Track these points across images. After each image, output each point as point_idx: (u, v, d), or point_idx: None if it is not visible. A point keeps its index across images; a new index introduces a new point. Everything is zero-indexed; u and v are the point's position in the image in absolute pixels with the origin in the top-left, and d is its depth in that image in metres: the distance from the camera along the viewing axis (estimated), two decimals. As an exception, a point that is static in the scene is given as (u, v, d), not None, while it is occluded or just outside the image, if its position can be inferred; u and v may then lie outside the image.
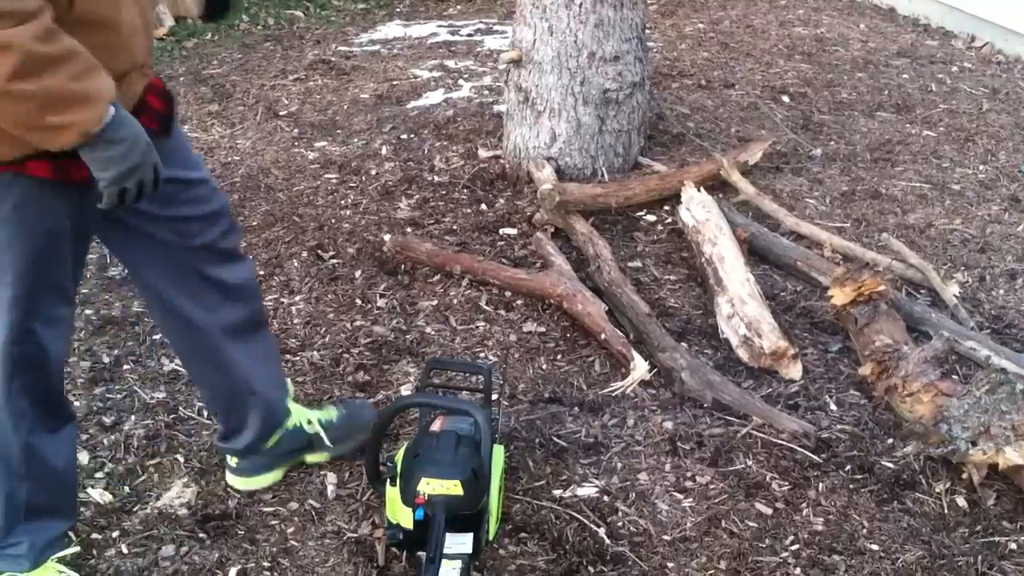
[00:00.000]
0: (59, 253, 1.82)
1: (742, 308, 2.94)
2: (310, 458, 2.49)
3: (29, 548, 2.05)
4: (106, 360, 2.91)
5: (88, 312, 3.14)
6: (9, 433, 1.93)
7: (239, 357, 2.24)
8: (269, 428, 2.37)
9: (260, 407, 2.32)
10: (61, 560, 2.11)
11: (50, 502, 2.08)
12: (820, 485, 2.45)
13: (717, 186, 3.88)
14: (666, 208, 3.77)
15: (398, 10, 6.96)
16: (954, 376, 2.76)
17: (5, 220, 1.72)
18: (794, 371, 2.83)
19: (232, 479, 2.44)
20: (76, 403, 2.72)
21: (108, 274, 3.36)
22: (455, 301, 3.21)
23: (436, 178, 4.06)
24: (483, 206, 3.86)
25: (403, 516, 2.05)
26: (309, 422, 2.45)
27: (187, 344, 2.24)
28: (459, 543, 2.03)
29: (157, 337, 3.00)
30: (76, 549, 2.18)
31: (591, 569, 2.20)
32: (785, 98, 4.96)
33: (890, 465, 2.52)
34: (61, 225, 1.79)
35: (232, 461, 2.42)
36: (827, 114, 4.79)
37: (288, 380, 2.49)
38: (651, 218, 3.74)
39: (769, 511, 2.37)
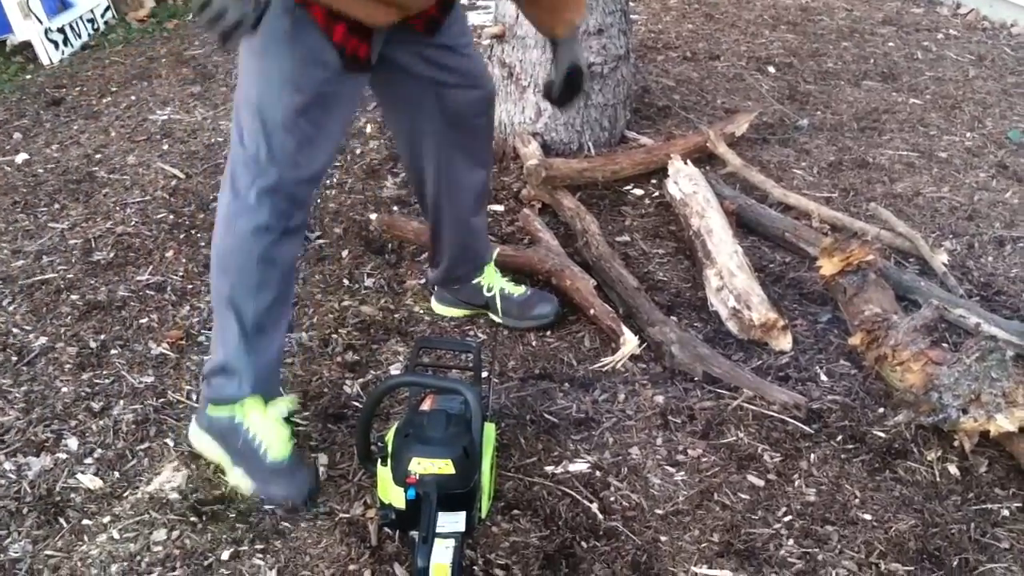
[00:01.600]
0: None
1: (731, 280, 2.93)
2: (492, 316, 2.99)
3: (252, 371, 2.32)
4: (93, 345, 2.89)
5: (74, 297, 3.11)
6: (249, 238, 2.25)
7: (477, 222, 2.86)
8: (458, 276, 2.93)
9: (469, 254, 2.90)
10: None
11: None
12: (812, 456, 2.45)
13: (704, 158, 3.86)
14: (653, 182, 3.76)
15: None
16: (944, 344, 2.76)
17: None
18: (784, 342, 2.83)
19: (432, 302, 3.06)
20: (63, 389, 2.70)
21: (93, 258, 3.33)
22: (443, 279, 3.20)
23: (422, 156, 4.04)
24: (470, 183, 3.83)
25: (395, 496, 2.04)
26: (490, 288, 2.94)
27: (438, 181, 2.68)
28: (452, 522, 2.03)
29: (144, 321, 2.99)
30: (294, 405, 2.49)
31: (584, 545, 2.20)
32: (771, 69, 4.95)
33: (881, 434, 2.52)
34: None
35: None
36: (813, 84, 4.77)
37: (494, 248, 3.04)
38: (638, 192, 3.73)
39: (761, 483, 2.37)
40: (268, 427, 2.33)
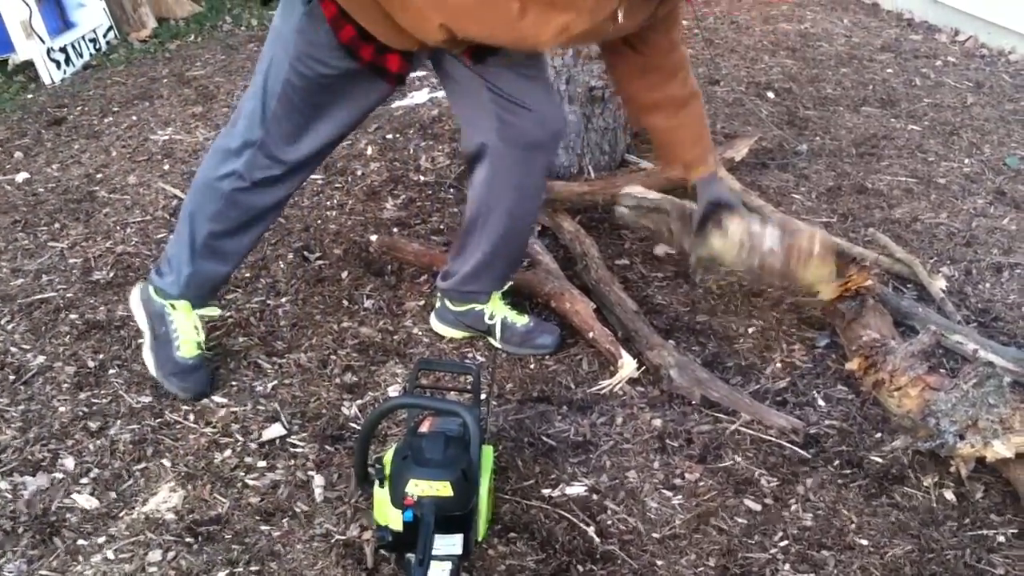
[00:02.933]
0: None
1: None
2: (492, 341, 2.98)
3: (186, 281, 2.67)
4: (91, 365, 2.89)
5: (73, 316, 3.12)
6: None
7: (513, 245, 2.84)
8: (467, 296, 2.90)
9: (482, 276, 2.85)
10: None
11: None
12: (809, 480, 2.45)
13: (703, 183, 3.87)
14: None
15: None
16: (941, 370, 2.76)
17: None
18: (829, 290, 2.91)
19: (431, 319, 3.04)
20: (61, 408, 2.70)
21: (92, 278, 3.33)
22: (442, 301, 3.20)
23: (422, 178, 4.05)
24: (469, 205, 3.84)
25: (392, 518, 2.04)
26: (492, 316, 2.92)
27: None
28: (449, 544, 2.03)
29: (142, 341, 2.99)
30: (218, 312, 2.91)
31: (581, 568, 2.19)
32: (770, 94, 4.97)
33: (878, 460, 2.52)
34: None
35: (438, 302, 2.99)
36: (812, 109, 4.79)
37: (509, 282, 2.99)
38: (637, 215, 3.74)
39: (758, 507, 2.37)
40: (187, 327, 2.70)
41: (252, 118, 2.43)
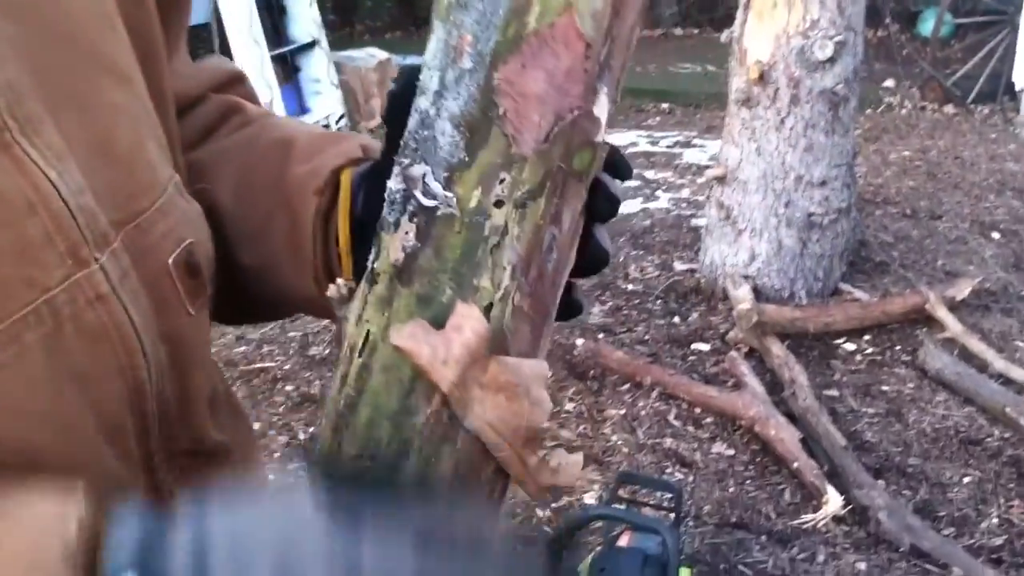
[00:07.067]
0: None
1: None
2: None
3: None
4: (302, 436, 3.00)
5: (288, 388, 3.25)
6: None
7: None
8: None
9: None
10: None
11: None
12: (1026, 651, 2.30)
13: (921, 320, 3.75)
14: (866, 338, 3.66)
15: (599, 118, 7.09)
16: None
17: None
18: None
19: None
20: (270, 477, 2.80)
21: (309, 353, 3.48)
22: (643, 412, 3.19)
23: (630, 286, 4.08)
24: (676, 319, 3.84)
25: (586, 630, 2.01)
26: None
27: None
28: (641, 665, 1.98)
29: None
30: None
31: None
32: (995, 234, 4.79)
33: (1106, 639, 2.34)
34: None
35: None
36: (1040, 255, 4.59)
37: None
38: (850, 347, 3.64)
39: (969, 672, 2.23)
40: None
41: None
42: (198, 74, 0.84)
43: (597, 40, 0.54)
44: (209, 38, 6.41)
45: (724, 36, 4.12)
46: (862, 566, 2.54)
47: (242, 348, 3.51)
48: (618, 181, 0.62)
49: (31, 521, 0.46)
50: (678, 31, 11.43)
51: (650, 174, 5.65)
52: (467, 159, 0.54)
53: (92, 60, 0.61)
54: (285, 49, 6.33)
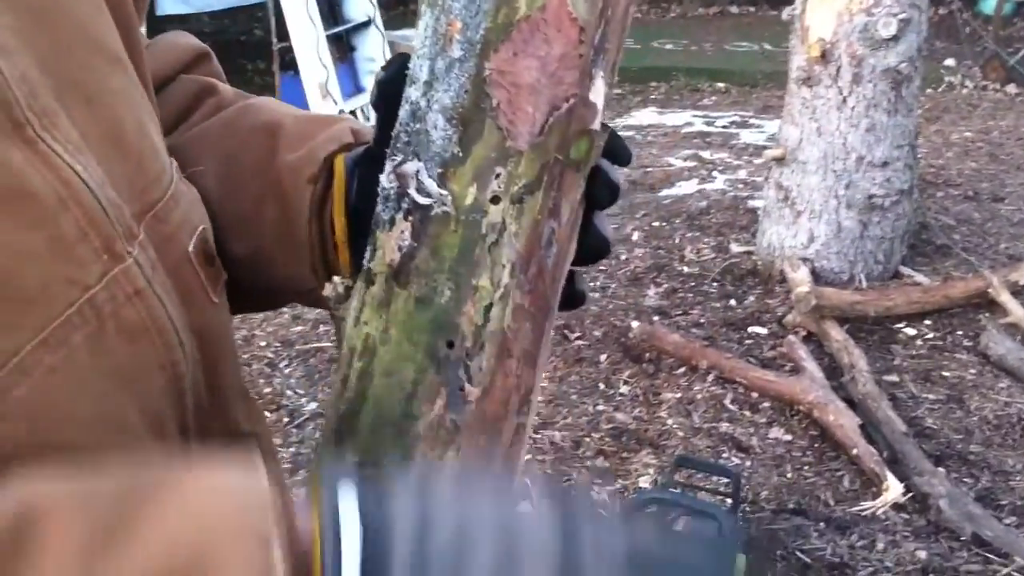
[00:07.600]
0: None
1: None
2: None
3: None
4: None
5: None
6: None
7: None
8: None
9: None
10: None
11: None
12: (1092, 644, 2.25)
13: (983, 304, 3.68)
14: (927, 323, 3.60)
15: (653, 97, 7.04)
16: None
17: None
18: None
19: None
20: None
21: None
22: (699, 396, 3.16)
23: (686, 268, 4.04)
24: (732, 301, 3.80)
25: (643, 616, 2.00)
26: None
27: None
28: (698, 652, 1.97)
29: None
30: None
31: None
32: (1061, 217, 4.69)
33: None
34: None
35: None
36: (1108, 237, 4.48)
37: None
38: (910, 331, 3.58)
39: (1033, 665, 2.19)
40: None
41: None
42: (164, 54, 0.80)
43: (591, 23, 0.51)
44: (265, 17, 6.44)
45: (785, 14, 4.06)
46: (922, 554, 2.50)
47: (299, 328, 3.53)
48: (617, 167, 0.61)
49: (230, 489, 0.45)
50: (734, 9, 11.30)
51: (706, 154, 5.59)
52: (461, 154, 0.53)
53: (89, 45, 0.58)
54: (340, 28, 6.35)
